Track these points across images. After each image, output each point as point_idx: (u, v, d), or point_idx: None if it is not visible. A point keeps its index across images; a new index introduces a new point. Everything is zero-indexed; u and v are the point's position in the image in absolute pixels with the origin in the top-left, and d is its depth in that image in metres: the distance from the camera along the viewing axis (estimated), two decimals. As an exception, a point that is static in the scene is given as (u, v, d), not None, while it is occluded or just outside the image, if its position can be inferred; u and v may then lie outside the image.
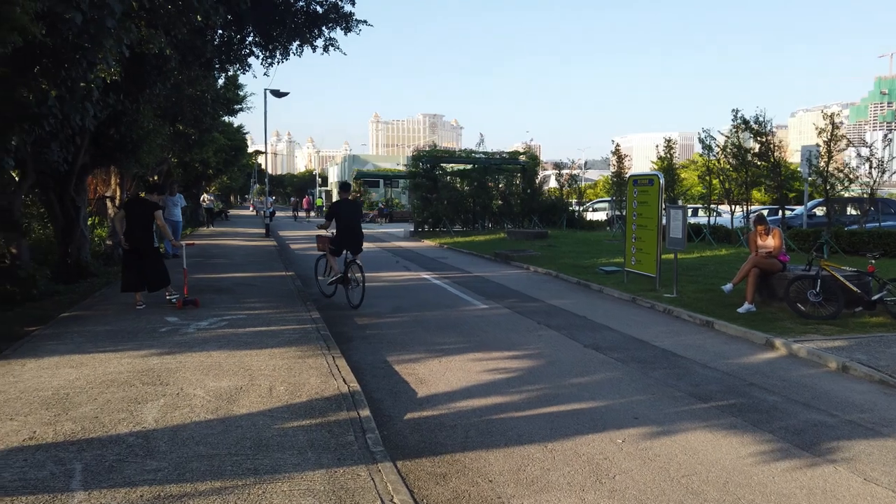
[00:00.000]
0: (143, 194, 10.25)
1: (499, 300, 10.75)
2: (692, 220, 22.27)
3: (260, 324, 7.96)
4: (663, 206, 11.16)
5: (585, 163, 30.81)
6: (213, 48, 12.20)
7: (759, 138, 17.04)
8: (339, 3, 12.60)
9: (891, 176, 17.10)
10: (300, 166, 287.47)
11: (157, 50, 9.70)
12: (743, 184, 18.38)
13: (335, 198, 11.28)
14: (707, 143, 19.15)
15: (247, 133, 36.02)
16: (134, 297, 8.88)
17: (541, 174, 31.04)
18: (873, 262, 8.81)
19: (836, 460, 4.34)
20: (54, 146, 9.54)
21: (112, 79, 9.42)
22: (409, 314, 9.50)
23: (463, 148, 34.84)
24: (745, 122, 17.22)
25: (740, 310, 9.05)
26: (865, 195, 16.43)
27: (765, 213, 22.55)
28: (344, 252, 10.14)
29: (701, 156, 21.31)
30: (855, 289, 8.59)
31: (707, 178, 20.32)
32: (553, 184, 33.27)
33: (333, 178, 75.80)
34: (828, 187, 15.74)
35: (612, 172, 25.99)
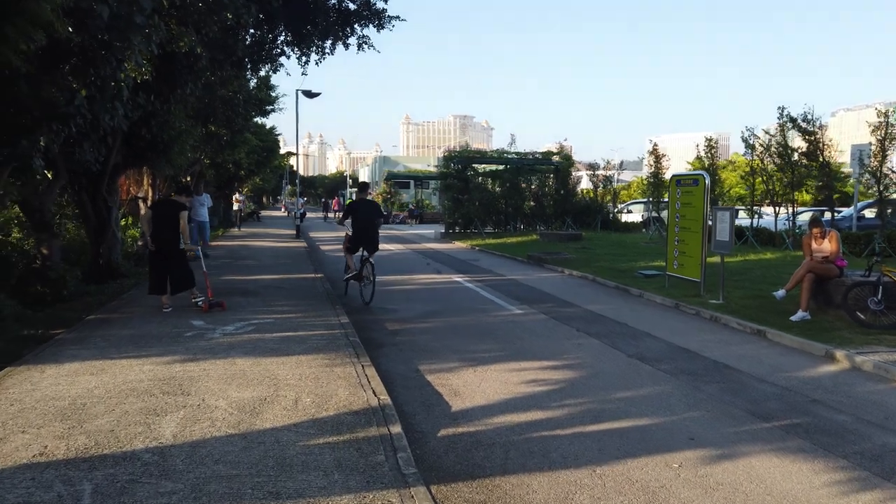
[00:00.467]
0: (173, 195, 10.10)
1: (534, 305, 10.33)
2: (733, 223, 21.44)
3: (287, 328, 7.68)
4: (708, 206, 10.61)
5: (621, 163, 29.90)
6: (244, 47, 12.04)
7: (807, 136, 16.26)
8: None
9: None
10: (332, 168, 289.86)
11: (187, 48, 9.55)
12: (788, 184, 17.59)
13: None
14: (751, 142, 18.37)
15: (279, 134, 36.14)
16: (160, 299, 8.70)
17: (573, 175, 30.41)
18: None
19: (925, 494, 3.85)
20: (86, 146, 9.45)
21: (143, 78, 9.29)
22: (441, 319, 9.15)
23: (494, 149, 34.38)
24: (793, 119, 16.45)
25: (794, 318, 8.48)
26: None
27: (808, 215, 21.67)
28: (361, 250, 10.36)
29: (742, 156, 20.56)
30: (922, 296, 7.95)
31: (750, 178, 19.51)
32: (584, 185, 32.58)
33: (364, 179, 76.05)
34: (881, 188, 14.93)
35: (650, 173, 25.22)
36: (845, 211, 19.81)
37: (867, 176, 15.29)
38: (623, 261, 15.53)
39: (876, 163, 15.09)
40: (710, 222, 10.54)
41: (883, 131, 14.81)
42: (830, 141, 16.58)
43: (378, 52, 13.54)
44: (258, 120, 26.65)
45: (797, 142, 17.39)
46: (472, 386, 5.89)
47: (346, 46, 12.86)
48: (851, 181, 26.07)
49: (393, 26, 12.88)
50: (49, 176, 10.50)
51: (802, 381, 6.16)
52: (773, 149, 17.60)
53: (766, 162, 18.21)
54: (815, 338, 7.52)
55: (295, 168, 60.06)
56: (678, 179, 11.63)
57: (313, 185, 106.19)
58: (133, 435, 4.19)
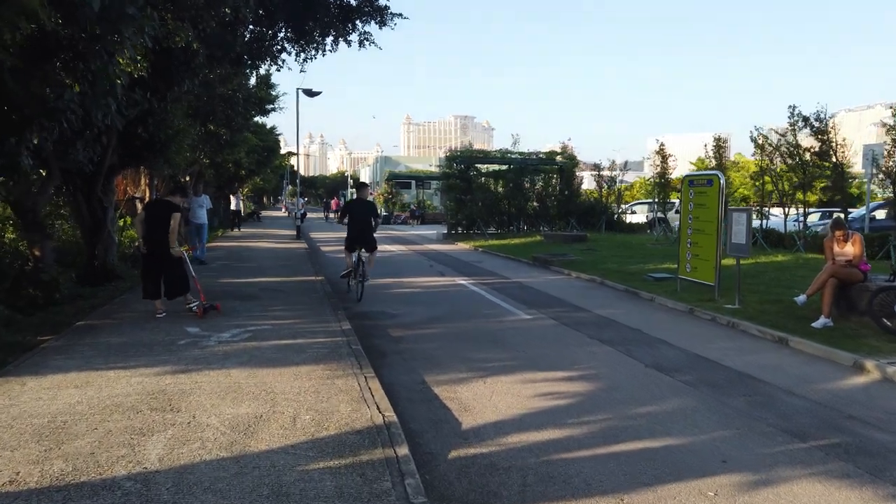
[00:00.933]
0: (168, 196, 9.72)
1: (542, 309, 9.96)
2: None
3: (286, 336, 7.31)
4: (724, 208, 10.24)
5: (626, 163, 29.50)
6: (243, 43, 11.68)
7: (819, 136, 15.87)
8: (373, -5, 11.99)
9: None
10: (332, 168, 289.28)
11: (183, 44, 9.18)
12: (799, 185, 17.20)
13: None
14: (759, 142, 17.99)
15: (279, 134, 35.76)
16: (154, 304, 8.34)
17: (577, 175, 30.01)
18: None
19: None
20: (79, 145, 9.09)
21: (138, 74, 8.92)
22: (446, 325, 8.78)
23: (496, 149, 33.97)
24: (805, 119, 16.06)
25: (815, 324, 8.11)
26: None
27: (818, 216, 21.27)
28: (358, 249, 10.49)
29: (745, 156, 20.18)
30: (952, 303, 7.58)
31: (759, 178, 19.12)
32: (586, 185, 32.14)
33: (365, 179, 75.70)
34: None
35: (656, 173, 24.81)
36: (855, 212, 19.41)
37: (881, 176, 14.88)
38: (631, 263, 15.15)
39: (891, 163, 14.70)
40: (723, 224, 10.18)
41: (897, 131, 14.42)
42: (844, 140, 16.19)
43: (380, 48, 13.23)
44: (258, 119, 26.26)
45: (806, 141, 17.01)
46: (482, 400, 5.52)
47: (349, 43, 12.50)
48: (857, 182, 25.70)
49: (395, 24, 12.55)
50: (43, 173, 10.14)
51: (833, 394, 5.79)
52: (783, 148, 17.20)
53: (775, 162, 17.82)
54: (841, 346, 7.15)
55: (295, 168, 59.64)
56: (691, 180, 11.26)
57: (314, 185, 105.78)
58: (115, 459, 3.82)
